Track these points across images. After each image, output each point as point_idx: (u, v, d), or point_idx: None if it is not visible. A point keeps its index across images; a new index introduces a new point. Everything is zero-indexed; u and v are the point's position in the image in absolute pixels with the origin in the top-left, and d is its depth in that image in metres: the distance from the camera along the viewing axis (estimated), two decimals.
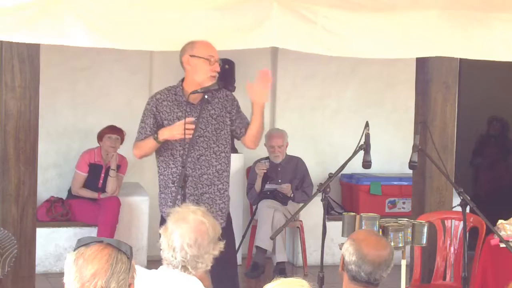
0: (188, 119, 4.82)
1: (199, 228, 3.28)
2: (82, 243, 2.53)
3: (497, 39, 5.67)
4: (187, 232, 3.27)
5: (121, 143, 7.54)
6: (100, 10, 4.92)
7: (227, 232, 5.06)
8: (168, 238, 3.30)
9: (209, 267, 3.33)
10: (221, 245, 3.36)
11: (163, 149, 4.99)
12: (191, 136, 4.80)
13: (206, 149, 4.96)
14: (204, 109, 4.94)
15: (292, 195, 7.68)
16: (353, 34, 5.41)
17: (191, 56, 4.91)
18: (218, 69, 4.94)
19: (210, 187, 4.99)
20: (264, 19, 5.18)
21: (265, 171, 7.61)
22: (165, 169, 5.00)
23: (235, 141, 7.93)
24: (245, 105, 7.90)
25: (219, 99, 5.05)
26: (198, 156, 4.95)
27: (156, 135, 4.92)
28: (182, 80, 5.03)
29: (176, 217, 3.34)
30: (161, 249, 3.35)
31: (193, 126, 4.82)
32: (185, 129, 4.80)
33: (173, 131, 4.87)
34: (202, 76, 4.90)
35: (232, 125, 5.09)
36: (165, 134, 4.90)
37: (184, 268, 3.28)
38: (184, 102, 4.94)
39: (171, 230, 3.31)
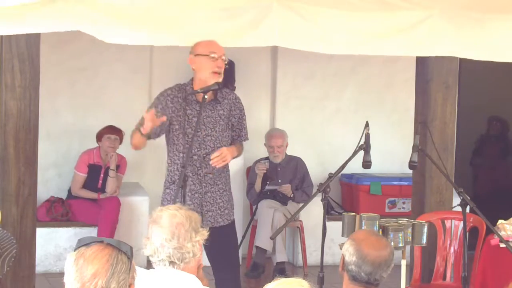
0: (151, 112, 4.74)
1: (172, 221, 3.32)
2: (83, 243, 2.53)
3: (497, 40, 5.67)
4: (163, 229, 3.31)
5: (120, 143, 7.53)
6: (104, 8, 4.92)
7: (229, 233, 5.08)
8: (150, 243, 3.33)
9: (198, 256, 3.33)
10: (203, 232, 3.37)
11: (170, 145, 5.01)
12: (148, 130, 4.72)
13: (213, 149, 4.97)
14: (210, 107, 4.96)
15: (292, 195, 7.68)
16: (352, 34, 5.41)
17: (195, 55, 4.96)
18: (222, 65, 4.94)
19: (212, 186, 5.01)
20: (264, 18, 5.18)
21: (265, 171, 7.61)
22: (171, 165, 5.02)
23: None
24: (244, 106, 7.89)
25: (228, 101, 5.08)
26: (205, 155, 4.97)
27: (140, 128, 4.79)
28: (193, 78, 5.05)
29: (152, 218, 3.38)
30: (149, 256, 3.38)
31: (154, 119, 4.73)
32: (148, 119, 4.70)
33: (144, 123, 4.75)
34: (205, 73, 4.93)
35: (234, 128, 5.11)
36: (143, 124, 4.75)
37: (172, 263, 3.30)
38: (193, 100, 4.96)
39: (150, 235, 3.35)
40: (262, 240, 7.36)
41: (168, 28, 5.09)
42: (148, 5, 5.03)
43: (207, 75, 4.92)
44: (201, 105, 4.92)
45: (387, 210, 8.26)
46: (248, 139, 5.27)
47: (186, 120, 4.95)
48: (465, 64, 6.72)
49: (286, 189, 7.67)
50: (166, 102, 4.97)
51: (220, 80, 4.94)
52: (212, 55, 4.90)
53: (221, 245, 4.87)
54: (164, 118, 4.82)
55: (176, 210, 3.38)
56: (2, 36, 5.16)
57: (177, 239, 3.29)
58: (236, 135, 5.13)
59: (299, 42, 5.36)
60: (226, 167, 5.10)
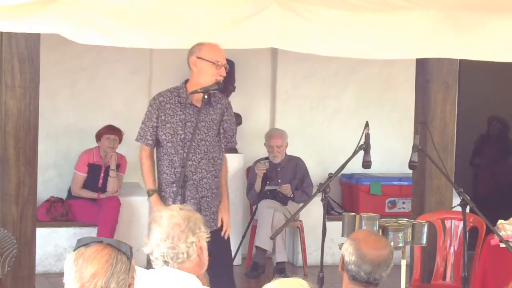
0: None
1: (170, 221, 3.33)
2: (82, 243, 2.53)
3: (496, 40, 5.67)
4: (161, 228, 3.33)
5: (120, 142, 7.53)
6: (100, 8, 4.91)
7: (220, 236, 5.08)
8: (150, 242, 3.34)
9: (193, 257, 3.32)
10: (200, 234, 3.36)
11: (164, 153, 4.99)
12: None
13: (206, 153, 4.97)
14: (203, 111, 4.95)
15: (292, 195, 7.68)
16: (352, 35, 5.40)
17: (198, 58, 4.92)
18: (224, 73, 4.95)
19: (208, 191, 5.01)
20: (264, 19, 5.17)
21: (265, 171, 7.61)
22: (169, 168, 4.99)
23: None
24: (244, 106, 7.91)
25: (221, 105, 5.06)
26: (199, 160, 4.96)
27: (151, 194, 5.05)
28: (186, 81, 5.03)
29: (152, 221, 3.38)
30: (149, 254, 3.38)
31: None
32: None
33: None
34: (207, 79, 4.91)
35: (223, 135, 5.10)
36: (155, 205, 4.99)
37: (166, 262, 3.31)
38: (187, 104, 4.94)
39: (150, 233, 3.35)
40: (262, 240, 7.36)
41: (166, 31, 5.07)
42: (146, 6, 5.02)
43: (208, 81, 4.91)
44: (201, 105, 4.90)
45: (387, 210, 8.26)
46: (236, 144, 5.30)
47: (180, 125, 4.94)
48: (465, 64, 6.71)
49: (286, 189, 7.66)
50: (160, 109, 4.95)
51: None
52: (217, 63, 4.90)
53: (213, 248, 4.87)
54: None
55: (177, 210, 3.38)
56: (2, 36, 5.16)
57: (171, 239, 3.29)
58: (227, 141, 5.11)
59: (298, 44, 5.35)
60: (218, 171, 5.09)
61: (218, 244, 5.03)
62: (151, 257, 3.37)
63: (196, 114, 4.92)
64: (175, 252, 3.29)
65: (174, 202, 4.63)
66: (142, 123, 5.04)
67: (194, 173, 4.94)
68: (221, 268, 5.04)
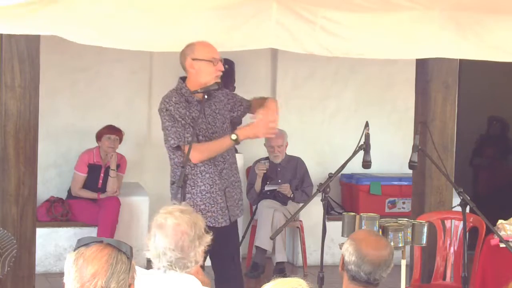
0: (270, 118, 4.84)
1: (176, 230, 3.28)
2: (82, 243, 2.53)
3: (496, 40, 5.67)
4: (167, 237, 3.28)
5: (120, 142, 7.54)
6: (99, 10, 4.91)
7: (235, 229, 5.10)
8: (154, 248, 3.31)
9: (200, 263, 3.32)
10: (207, 238, 3.35)
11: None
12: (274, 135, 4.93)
13: None
14: (204, 108, 4.94)
15: (291, 195, 7.68)
16: (352, 34, 5.41)
17: (193, 59, 4.87)
18: (222, 67, 4.94)
19: (228, 180, 5.02)
20: (264, 19, 5.17)
21: (265, 171, 7.61)
22: (194, 168, 4.88)
23: None
24: None
25: (217, 93, 5.05)
26: None
27: (235, 137, 4.80)
28: (183, 79, 5.00)
29: (156, 223, 3.34)
30: (149, 256, 3.37)
31: (276, 125, 4.87)
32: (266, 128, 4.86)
33: (256, 130, 4.84)
34: (208, 77, 4.87)
35: (235, 109, 5.10)
36: (249, 134, 4.84)
37: (173, 270, 3.29)
38: (194, 101, 4.92)
39: (153, 236, 3.32)
40: (262, 240, 7.36)
41: (165, 33, 5.07)
42: (146, 8, 5.02)
43: (209, 79, 4.87)
44: (202, 105, 4.90)
45: (387, 210, 8.27)
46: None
47: (192, 122, 4.92)
48: (465, 64, 6.72)
49: (286, 188, 7.67)
50: (179, 109, 4.87)
51: (219, 80, 4.93)
52: (214, 60, 4.88)
53: (226, 241, 4.89)
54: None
55: (180, 216, 3.34)
56: (2, 36, 5.16)
57: (180, 249, 3.26)
58: (245, 100, 5.15)
59: (297, 45, 5.34)
60: (235, 158, 5.12)
61: (233, 235, 5.05)
62: (154, 261, 3.34)
63: (202, 110, 4.92)
64: (184, 262, 3.27)
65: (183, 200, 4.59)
66: (171, 127, 4.85)
67: (216, 165, 4.93)
68: (231, 259, 5.06)
